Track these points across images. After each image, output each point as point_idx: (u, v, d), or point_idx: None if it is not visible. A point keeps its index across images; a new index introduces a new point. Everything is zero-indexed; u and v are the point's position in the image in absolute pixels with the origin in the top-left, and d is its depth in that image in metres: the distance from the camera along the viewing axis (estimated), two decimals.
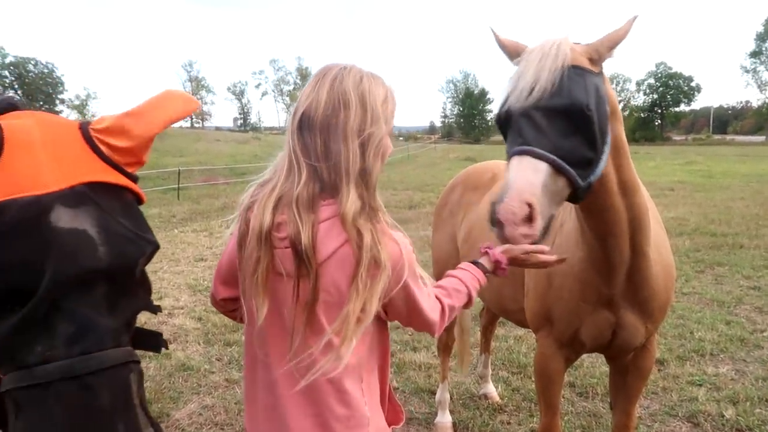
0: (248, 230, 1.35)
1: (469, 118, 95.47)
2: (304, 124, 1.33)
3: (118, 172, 1.20)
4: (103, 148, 1.19)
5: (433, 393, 3.84)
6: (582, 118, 1.62)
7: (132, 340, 1.20)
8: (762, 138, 69.63)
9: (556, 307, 2.24)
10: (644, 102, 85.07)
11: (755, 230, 9.54)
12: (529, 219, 1.51)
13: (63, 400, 1.04)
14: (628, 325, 2.16)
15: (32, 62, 74.43)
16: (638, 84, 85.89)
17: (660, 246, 2.19)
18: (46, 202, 1.06)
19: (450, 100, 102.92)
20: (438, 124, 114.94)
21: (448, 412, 3.57)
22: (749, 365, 4.31)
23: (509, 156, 1.63)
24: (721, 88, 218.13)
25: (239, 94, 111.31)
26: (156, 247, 1.23)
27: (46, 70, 75.57)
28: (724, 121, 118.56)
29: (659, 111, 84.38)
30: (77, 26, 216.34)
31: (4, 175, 1.05)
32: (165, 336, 1.45)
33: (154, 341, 1.35)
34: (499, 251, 1.62)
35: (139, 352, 1.22)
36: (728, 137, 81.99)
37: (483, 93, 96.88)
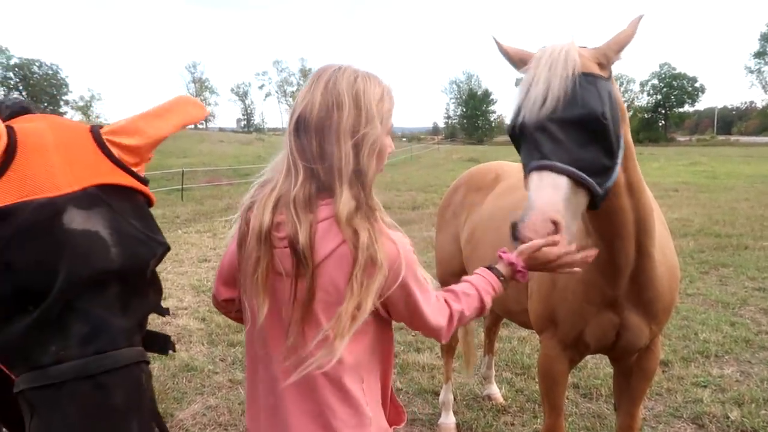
0: (248, 230, 1.37)
1: (472, 119, 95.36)
2: (300, 126, 1.35)
3: (128, 174, 1.22)
4: (114, 149, 1.21)
5: (437, 394, 3.83)
6: (598, 126, 1.60)
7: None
8: (766, 139, 69.35)
9: (560, 309, 2.24)
10: (648, 103, 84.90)
11: (760, 231, 9.51)
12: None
13: (77, 399, 1.05)
14: (633, 327, 2.15)
15: (37, 64, 74.84)
16: (642, 85, 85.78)
17: (664, 247, 2.18)
18: (59, 204, 1.08)
19: (453, 101, 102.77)
20: (441, 125, 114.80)
21: (451, 413, 3.56)
22: (754, 366, 4.29)
23: (528, 171, 1.60)
24: (726, 88, 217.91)
25: (243, 95, 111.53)
26: (167, 248, 1.26)
27: (50, 72, 75.96)
28: (728, 122, 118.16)
29: (663, 112, 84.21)
30: (82, 28, 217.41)
31: (17, 177, 1.07)
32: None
33: (162, 343, 1.37)
34: (514, 254, 1.56)
35: None
36: (732, 138, 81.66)
37: (486, 94, 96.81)
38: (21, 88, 70.94)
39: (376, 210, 1.34)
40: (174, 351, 1.42)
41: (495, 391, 3.89)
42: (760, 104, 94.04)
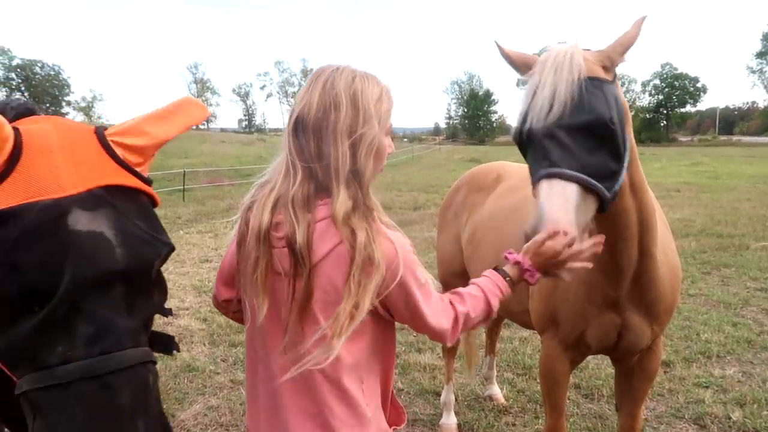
0: (248, 230, 1.38)
1: (473, 119, 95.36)
2: (298, 127, 1.35)
3: (132, 175, 1.23)
4: (118, 150, 1.22)
5: (438, 394, 3.83)
6: (606, 132, 1.59)
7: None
8: None
9: (562, 309, 2.24)
10: (650, 103, 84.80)
11: (762, 232, 9.49)
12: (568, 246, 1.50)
13: (83, 399, 1.06)
14: (634, 327, 2.15)
15: (39, 64, 75.00)
16: (644, 85, 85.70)
17: (666, 247, 2.18)
18: (64, 205, 1.08)
19: (454, 101, 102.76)
20: (442, 125, 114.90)
21: (453, 414, 3.56)
22: (756, 367, 4.28)
23: (536, 179, 1.59)
24: (727, 88, 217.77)
25: (244, 96, 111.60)
26: (171, 248, 1.27)
27: (52, 73, 76.13)
28: (730, 122, 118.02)
29: (665, 112, 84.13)
30: (84, 29, 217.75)
31: (23, 178, 1.08)
32: None
33: (166, 343, 1.37)
34: (520, 254, 1.53)
35: None
36: (734, 138, 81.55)
37: (488, 94, 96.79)
38: (23, 88, 71.11)
39: (374, 210, 1.34)
40: (178, 351, 1.42)
41: (496, 391, 3.89)
42: (762, 104, 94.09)
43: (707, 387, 3.93)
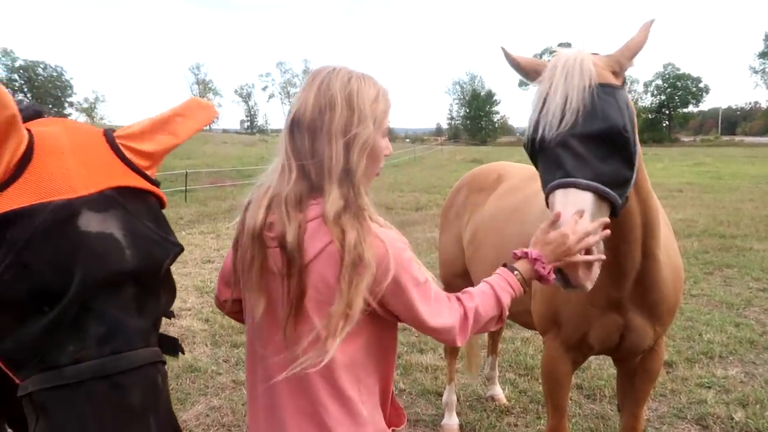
0: (243, 229, 1.39)
1: (475, 119, 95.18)
2: (294, 127, 1.37)
3: (141, 176, 1.24)
4: (127, 153, 1.24)
5: (440, 395, 3.83)
6: (620, 140, 1.59)
7: None
8: None
9: (564, 310, 2.23)
10: (652, 103, 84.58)
11: (765, 232, 9.47)
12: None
13: (93, 398, 1.06)
14: (637, 328, 2.15)
15: (41, 66, 75.16)
16: (646, 85, 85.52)
17: (669, 248, 2.17)
18: (76, 206, 1.09)
19: (456, 101, 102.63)
20: (444, 125, 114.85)
21: (455, 414, 3.56)
22: (759, 367, 4.27)
23: (550, 189, 1.58)
24: (730, 89, 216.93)
25: (246, 97, 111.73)
26: (180, 249, 1.29)
27: (55, 74, 76.29)
28: (732, 122, 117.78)
29: (667, 112, 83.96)
30: (86, 30, 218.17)
31: (34, 179, 1.08)
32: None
33: (170, 345, 1.38)
34: (535, 252, 1.50)
35: None
36: (737, 138, 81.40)
37: (490, 95, 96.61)
38: (26, 90, 71.26)
39: (365, 209, 1.34)
40: (183, 353, 1.43)
41: (498, 392, 3.89)
42: (764, 104, 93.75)
43: (710, 387, 3.92)
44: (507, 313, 1.49)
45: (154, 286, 1.22)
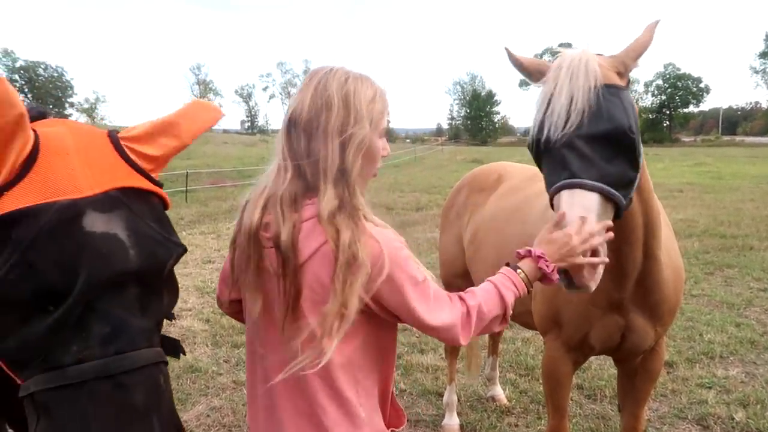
0: (240, 229, 1.40)
1: (476, 120, 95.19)
2: (291, 126, 1.37)
3: (145, 177, 1.25)
4: (131, 155, 1.24)
5: (441, 395, 3.83)
6: (626, 140, 1.59)
7: None
8: None
9: (565, 311, 2.23)
10: (652, 103, 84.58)
11: (765, 232, 9.47)
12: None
13: (96, 398, 1.07)
14: (638, 329, 2.15)
15: (42, 66, 75.24)
16: (646, 85, 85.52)
17: (669, 249, 2.17)
18: (81, 206, 1.10)
19: (457, 102, 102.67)
20: (445, 126, 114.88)
21: (455, 414, 3.56)
22: (759, 368, 4.27)
23: (556, 189, 1.58)
24: (731, 89, 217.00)
25: (247, 97, 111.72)
26: (183, 249, 1.29)
27: (55, 74, 76.35)
28: (733, 122, 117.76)
29: (668, 112, 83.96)
30: (87, 30, 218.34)
31: (40, 179, 1.09)
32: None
33: (172, 347, 1.38)
34: (538, 250, 1.48)
35: None
36: (737, 138, 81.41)
37: (490, 95, 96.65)
38: (26, 90, 71.31)
39: (360, 209, 1.34)
40: (185, 354, 1.44)
41: (499, 392, 3.89)
42: (765, 104, 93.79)
43: (710, 387, 3.92)
44: (511, 312, 1.47)
45: (157, 287, 1.22)
